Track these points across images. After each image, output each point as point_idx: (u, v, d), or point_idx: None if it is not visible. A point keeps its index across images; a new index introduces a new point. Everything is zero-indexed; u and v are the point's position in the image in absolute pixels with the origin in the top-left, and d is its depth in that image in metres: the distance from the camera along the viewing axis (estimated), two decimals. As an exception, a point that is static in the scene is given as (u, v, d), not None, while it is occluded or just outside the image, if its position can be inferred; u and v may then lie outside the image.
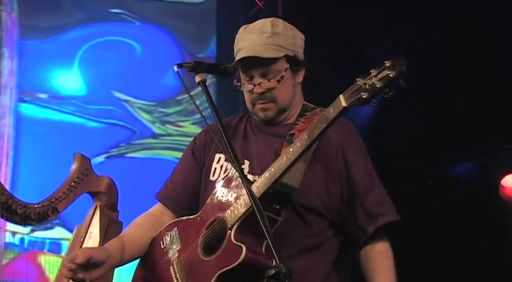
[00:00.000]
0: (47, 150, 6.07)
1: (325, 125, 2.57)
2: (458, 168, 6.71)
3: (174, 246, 2.94)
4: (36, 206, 2.93)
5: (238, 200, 2.75)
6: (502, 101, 6.29)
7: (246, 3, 6.75)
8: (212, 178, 3.01)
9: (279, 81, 2.90)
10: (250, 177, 2.85)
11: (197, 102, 2.77)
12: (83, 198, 2.98)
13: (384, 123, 5.99)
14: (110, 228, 3.03)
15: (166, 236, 3.00)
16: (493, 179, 6.54)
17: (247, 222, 2.68)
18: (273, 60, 2.88)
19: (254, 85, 2.90)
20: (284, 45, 2.90)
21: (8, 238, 5.88)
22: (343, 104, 2.49)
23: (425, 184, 6.60)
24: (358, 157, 2.93)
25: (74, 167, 3.01)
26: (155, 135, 6.63)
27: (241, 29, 2.99)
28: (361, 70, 2.47)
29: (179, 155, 6.53)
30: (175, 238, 2.96)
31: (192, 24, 6.81)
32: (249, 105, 2.99)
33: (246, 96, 2.97)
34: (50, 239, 5.99)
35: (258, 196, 2.59)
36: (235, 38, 2.99)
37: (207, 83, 2.68)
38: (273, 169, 2.68)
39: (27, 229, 5.87)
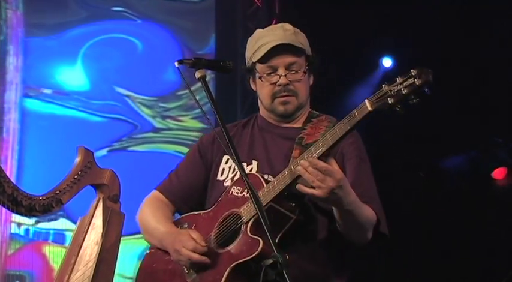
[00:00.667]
0: (51, 144, 6.11)
1: (349, 127, 2.59)
2: (449, 161, 6.79)
3: None
4: (40, 197, 2.85)
5: None
6: (493, 96, 6.41)
7: (244, 1, 6.85)
8: (220, 178, 3.03)
9: (305, 72, 2.94)
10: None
11: (197, 97, 2.79)
12: (86, 190, 3.00)
13: (376, 117, 6.06)
14: (112, 219, 2.95)
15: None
16: (483, 172, 6.64)
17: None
18: (300, 53, 2.94)
19: (279, 76, 2.93)
20: (304, 45, 2.98)
21: (14, 229, 5.95)
22: (369, 108, 2.52)
23: (417, 176, 6.69)
24: (354, 154, 2.92)
25: (77, 160, 2.93)
26: (156, 130, 6.69)
27: (257, 31, 3.05)
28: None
29: (179, 148, 6.65)
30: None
31: (191, 22, 6.88)
32: (267, 100, 2.98)
33: (266, 90, 2.97)
34: (54, 229, 6.06)
35: (277, 192, 2.66)
36: (247, 41, 3.03)
37: (206, 79, 2.67)
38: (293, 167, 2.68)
39: (32, 220, 5.92)
